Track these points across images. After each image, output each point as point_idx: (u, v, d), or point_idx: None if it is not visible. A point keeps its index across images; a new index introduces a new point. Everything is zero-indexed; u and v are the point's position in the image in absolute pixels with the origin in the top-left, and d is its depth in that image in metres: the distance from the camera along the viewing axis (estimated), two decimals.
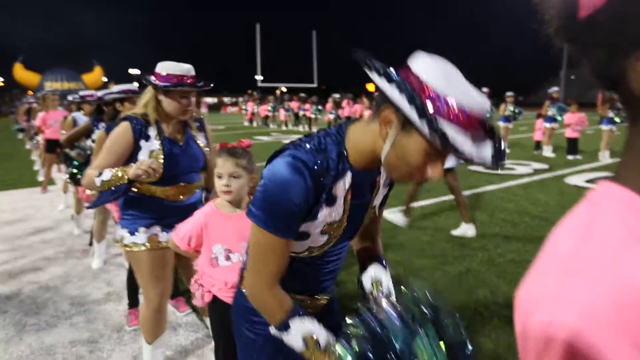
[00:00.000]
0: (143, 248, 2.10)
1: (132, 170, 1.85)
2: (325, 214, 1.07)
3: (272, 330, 1.10)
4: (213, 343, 2.40)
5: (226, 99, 52.72)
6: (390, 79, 0.89)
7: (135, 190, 2.09)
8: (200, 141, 2.24)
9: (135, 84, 3.45)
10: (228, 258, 1.77)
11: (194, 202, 2.23)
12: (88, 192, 3.88)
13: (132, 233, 2.11)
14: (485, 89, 12.02)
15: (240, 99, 31.33)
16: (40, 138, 7.92)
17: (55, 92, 7.69)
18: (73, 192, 5.38)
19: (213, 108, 40.34)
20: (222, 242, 1.77)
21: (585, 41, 0.54)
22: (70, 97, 5.96)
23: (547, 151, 10.53)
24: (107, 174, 1.90)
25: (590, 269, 0.49)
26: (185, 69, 2.03)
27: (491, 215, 5.32)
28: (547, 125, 10.59)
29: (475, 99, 0.88)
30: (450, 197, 6.26)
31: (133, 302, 2.93)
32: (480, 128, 0.92)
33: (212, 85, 2.17)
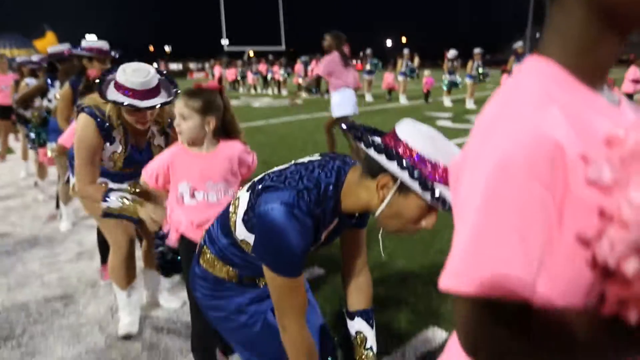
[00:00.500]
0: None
1: (144, 213, 1.88)
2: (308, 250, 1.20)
3: None
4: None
5: (192, 65, 50.89)
6: (390, 157, 1.00)
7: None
8: (159, 143, 2.22)
9: (106, 44, 3.31)
10: (193, 196, 1.79)
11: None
12: (50, 154, 3.77)
13: (105, 199, 2.07)
14: (477, 50, 11.87)
15: (207, 64, 30.28)
16: None
17: (3, 56, 7.22)
18: (34, 159, 5.19)
19: (179, 75, 38.98)
20: (187, 180, 1.78)
21: None
22: (18, 60, 5.65)
23: None
24: (115, 203, 1.92)
25: (506, 123, 0.54)
26: (141, 82, 1.86)
27: None
28: None
29: (454, 154, 1.02)
30: None
31: (106, 258, 2.92)
32: None
33: (169, 100, 1.97)
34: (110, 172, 2.17)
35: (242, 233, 1.25)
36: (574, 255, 0.52)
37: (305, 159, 1.24)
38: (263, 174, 1.26)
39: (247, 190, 1.23)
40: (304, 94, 15.71)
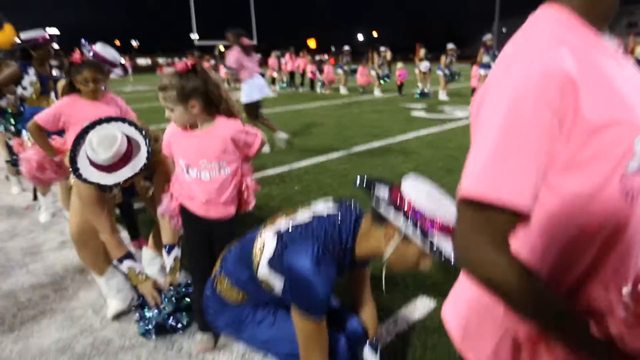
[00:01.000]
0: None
1: (146, 289, 2.07)
2: None
3: None
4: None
5: (161, 60, 49.65)
6: (397, 212, 1.19)
7: None
8: (143, 184, 2.33)
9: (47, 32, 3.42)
10: (187, 172, 1.84)
11: None
12: (27, 142, 3.67)
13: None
14: (451, 45, 12.18)
15: (177, 59, 29.67)
16: None
17: None
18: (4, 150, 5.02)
19: (147, 70, 37.99)
20: (183, 157, 1.83)
21: None
22: None
23: None
24: (125, 269, 2.10)
25: (523, 59, 0.65)
26: (106, 159, 1.85)
27: (435, 153, 5.65)
28: (482, 72, 11.09)
29: (450, 211, 1.19)
30: (398, 139, 6.56)
31: (134, 232, 2.96)
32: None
33: (134, 175, 1.93)
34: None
35: (265, 274, 1.41)
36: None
37: (324, 211, 1.43)
38: (288, 224, 1.42)
39: (274, 237, 1.39)
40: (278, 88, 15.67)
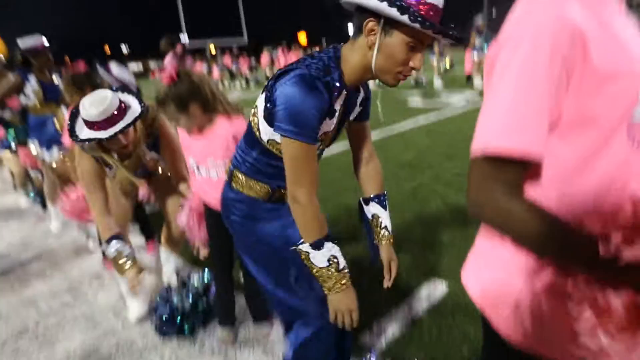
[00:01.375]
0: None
1: (129, 275, 1.98)
2: (324, 124, 1.27)
3: (303, 246, 1.27)
4: None
5: (152, 64, 49.38)
6: None
7: None
8: (151, 157, 2.26)
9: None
10: (199, 170, 1.91)
11: None
12: (34, 151, 3.71)
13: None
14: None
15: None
16: None
17: None
18: (11, 162, 5.06)
19: (139, 76, 37.82)
20: (192, 156, 1.92)
21: None
22: None
23: (478, 80, 11.13)
24: (112, 252, 2.01)
25: (536, 12, 0.70)
26: (98, 113, 1.85)
27: (433, 141, 5.70)
28: (476, 57, 11.12)
29: None
30: (396, 129, 6.59)
31: (149, 233, 2.98)
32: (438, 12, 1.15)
33: (130, 123, 1.93)
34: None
35: (266, 132, 1.30)
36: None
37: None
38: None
39: (262, 93, 1.31)
40: None
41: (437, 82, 11.75)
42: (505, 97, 0.70)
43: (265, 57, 16.99)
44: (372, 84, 1.51)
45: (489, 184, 0.71)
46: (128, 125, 1.91)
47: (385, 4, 1.08)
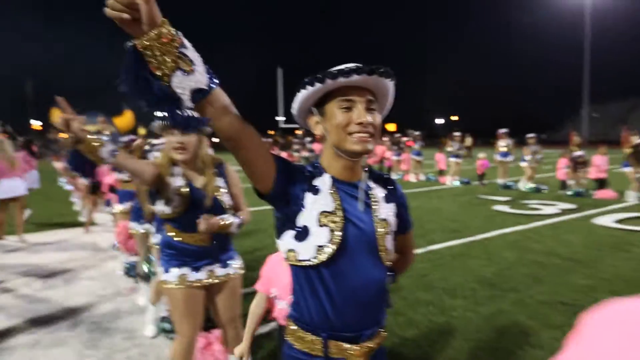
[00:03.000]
0: (174, 285, 2.32)
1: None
2: (312, 201, 1.20)
3: None
4: None
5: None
6: (297, 95, 1.22)
7: (171, 235, 2.36)
8: (219, 185, 2.37)
9: None
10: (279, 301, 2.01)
11: (222, 242, 2.41)
12: (132, 229, 4.15)
13: (166, 271, 2.35)
14: (503, 130, 12.26)
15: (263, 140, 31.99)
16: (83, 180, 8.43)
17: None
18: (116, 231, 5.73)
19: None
20: (278, 289, 2.01)
21: None
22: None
23: (573, 186, 10.49)
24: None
25: None
26: None
27: (520, 256, 5.38)
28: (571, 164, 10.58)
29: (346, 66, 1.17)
30: (478, 237, 6.35)
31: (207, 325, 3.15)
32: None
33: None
34: (193, 247, 2.34)
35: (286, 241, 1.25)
36: None
37: None
38: None
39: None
40: None
41: (527, 187, 11.26)
42: None
43: None
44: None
45: None
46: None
47: (302, 92, 1.19)
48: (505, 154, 12.23)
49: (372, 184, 1.32)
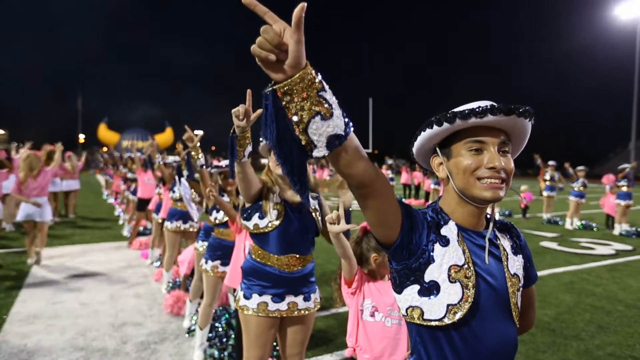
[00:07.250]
0: (252, 312, 2.26)
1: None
2: (442, 253, 1.09)
3: None
4: None
5: None
6: (419, 133, 1.15)
7: (256, 258, 2.30)
8: (314, 206, 2.37)
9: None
10: (372, 316, 1.97)
11: (307, 273, 2.35)
12: (197, 248, 4.17)
13: (246, 297, 2.29)
14: (552, 162, 11.79)
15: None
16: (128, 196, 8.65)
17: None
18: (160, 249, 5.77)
19: None
20: (373, 300, 1.99)
21: None
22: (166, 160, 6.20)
23: (617, 229, 9.84)
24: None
25: None
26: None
27: (578, 299, 5.04)
28: (622, 202, 9.98)
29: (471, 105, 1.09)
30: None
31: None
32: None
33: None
34: (278, 273, 2.30)
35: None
36: None
37: None
38: None
39: None
40: None
41: (573, 224, 10.64)
42: None
43: (384, 171, 17.60)
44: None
45: None
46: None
47: (428, 131, 1.11)
48: (552, 188, 11.72)
49: (497, 233, 1.21)
